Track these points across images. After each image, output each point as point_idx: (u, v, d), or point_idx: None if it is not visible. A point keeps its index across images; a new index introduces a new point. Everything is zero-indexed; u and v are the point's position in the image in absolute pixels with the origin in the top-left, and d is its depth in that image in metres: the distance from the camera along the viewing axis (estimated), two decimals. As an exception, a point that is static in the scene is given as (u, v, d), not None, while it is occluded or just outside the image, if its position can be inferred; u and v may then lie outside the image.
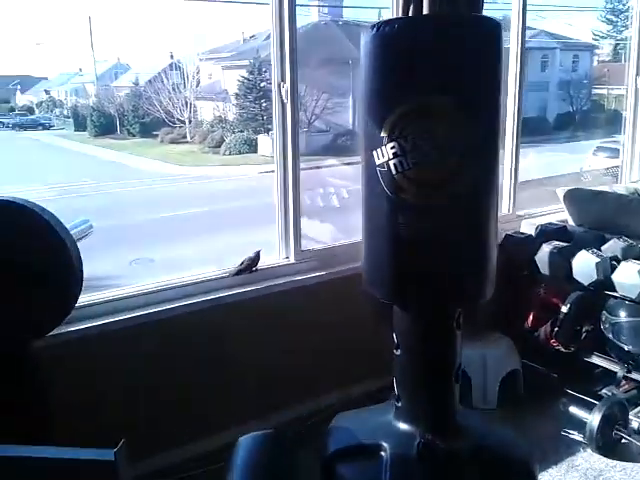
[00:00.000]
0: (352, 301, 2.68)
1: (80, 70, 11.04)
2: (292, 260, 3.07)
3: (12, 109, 11.41)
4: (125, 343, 2.56)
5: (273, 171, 3.02)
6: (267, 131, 9.45)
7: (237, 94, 9.71)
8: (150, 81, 10.10)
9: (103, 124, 10.63)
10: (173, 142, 10.03)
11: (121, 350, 2.55)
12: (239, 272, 2.91)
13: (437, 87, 1.98)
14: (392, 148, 1.95)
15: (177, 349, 2.69)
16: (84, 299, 2.53)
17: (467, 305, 2.19)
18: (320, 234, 3.67)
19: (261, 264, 3.01)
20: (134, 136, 10.34)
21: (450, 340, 2.19)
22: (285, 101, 2.94)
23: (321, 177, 6.87)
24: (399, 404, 2.26)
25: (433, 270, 2.04)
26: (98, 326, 2.51)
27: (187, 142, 10.06)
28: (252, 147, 9.60)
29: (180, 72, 10.04)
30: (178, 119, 9.76)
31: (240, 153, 9.40)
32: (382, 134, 1.97)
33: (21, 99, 11.58)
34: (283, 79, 2.93)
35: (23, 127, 10.98)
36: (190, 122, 9.96)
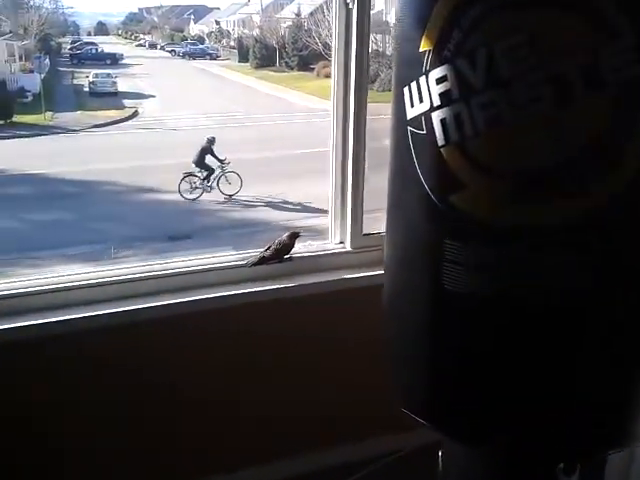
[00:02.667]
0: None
1: (248, 1, 10.66)
2: (348, 247, 1.96)
3: (184, 38, 11.32)
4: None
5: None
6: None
7: (397, 26, 8.64)
8: (312, 13, 9.43)
9: (264, 56, 10.29)
10: (328, 76, 9.29)
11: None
12: (262, 260, 1.86)
13: None
14: (440, 81, 0.77)
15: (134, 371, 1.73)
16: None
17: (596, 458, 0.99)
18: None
19: (302, 250, 1.95)
20: (292, 69, 9.89)
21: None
22: (350, 5, 1.78)
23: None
24: None
25: (526, 384, 0.88)
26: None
27: (342, 77, 9.27)
28: (407, 85, 8.56)
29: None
30: (335, 52, 8.94)
31: (393, 90, 8.45)
32: (422, 46, 0.80)
33: (194, 28, 11.47)
34: (350, -29, 1.76)
35: (192, 56, 10.91)
36: (347, 56, 9.07)
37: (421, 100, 0.80)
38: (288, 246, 1.89)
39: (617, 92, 0.77)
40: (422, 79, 0.80)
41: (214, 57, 10.71)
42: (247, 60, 10.14)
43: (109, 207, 6.23)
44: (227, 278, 1.82)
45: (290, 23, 9.69)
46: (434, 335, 0.91)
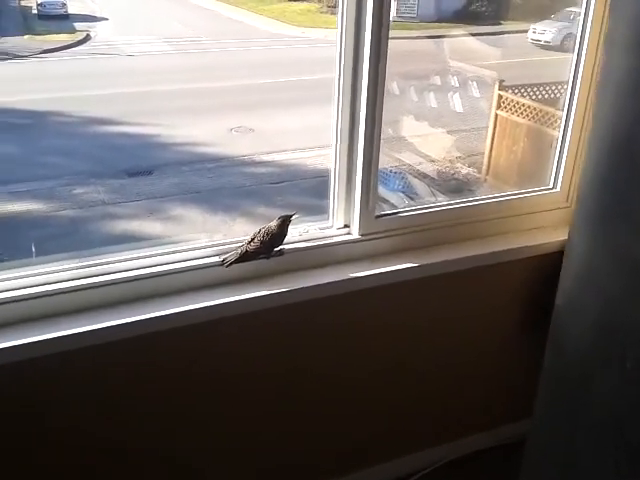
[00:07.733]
0: (472, 326, 1.34)
1: None
2: (355, 234, 1.40)
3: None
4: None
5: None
6: (393, -10, 7.79)
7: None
8: None
9: (226, -24, 9.42)
10: (292, -1, 8.74)
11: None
12: (245, 257, 1.31)
13: None
14: None
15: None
16: None
17: None
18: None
19: (296, 238, 1.40)
20: (254, -11, 9.10)
21: None
22: None
23: (442, 57, 4.77)
24: None
25: None
26: None
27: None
28: (375, 9, 7.96)
29: None
30: (299, -28, 8.32)
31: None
32: None
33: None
34: None
35: (144, -23, 9.89)
36: (311, -24, 8.45)
37: None
38: (278, 236, 1.33)
39: None
40: None
41: (169, -22, 9.77)
42: (207, -21, 9.29)
43: (61, 140, 5.58)
44: (197, 282, 1.27)
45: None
46: None
